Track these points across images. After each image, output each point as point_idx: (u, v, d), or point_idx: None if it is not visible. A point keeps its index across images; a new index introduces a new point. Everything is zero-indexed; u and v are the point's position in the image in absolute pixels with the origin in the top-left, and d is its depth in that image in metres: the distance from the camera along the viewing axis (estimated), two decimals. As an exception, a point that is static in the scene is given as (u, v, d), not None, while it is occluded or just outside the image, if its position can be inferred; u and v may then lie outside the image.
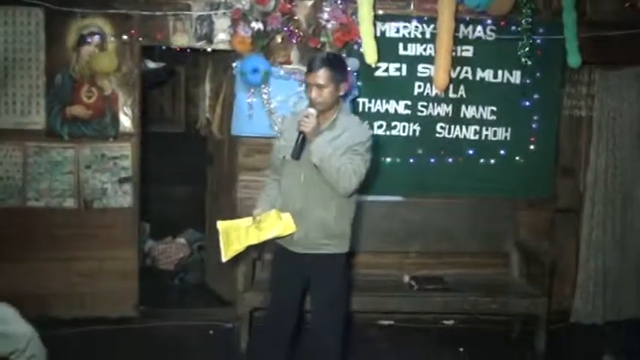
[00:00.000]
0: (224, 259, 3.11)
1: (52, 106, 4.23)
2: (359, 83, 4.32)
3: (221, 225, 3.16)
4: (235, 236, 3.10)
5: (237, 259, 4.41)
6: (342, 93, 2.96)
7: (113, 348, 4.02)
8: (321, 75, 2.87)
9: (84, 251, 4.31)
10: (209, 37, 4.26)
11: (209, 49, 4.37)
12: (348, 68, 4.09)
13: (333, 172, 2.83)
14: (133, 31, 4.21)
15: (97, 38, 4.20)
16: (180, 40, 4.26)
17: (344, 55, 4.23)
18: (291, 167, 3.01)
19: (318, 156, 2.83)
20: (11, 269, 4.24)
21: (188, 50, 4.42)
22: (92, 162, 4.32)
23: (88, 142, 4.30)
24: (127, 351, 4.00)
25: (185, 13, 4.22)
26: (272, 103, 4.16)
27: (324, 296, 3.09)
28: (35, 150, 4.30)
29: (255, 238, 3.06)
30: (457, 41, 4.36)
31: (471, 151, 4.57)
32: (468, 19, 4.42)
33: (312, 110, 2.92)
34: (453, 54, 4.32)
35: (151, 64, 4.62)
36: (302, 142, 2.91)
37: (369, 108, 4.43)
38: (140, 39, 4.25)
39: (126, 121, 4.31)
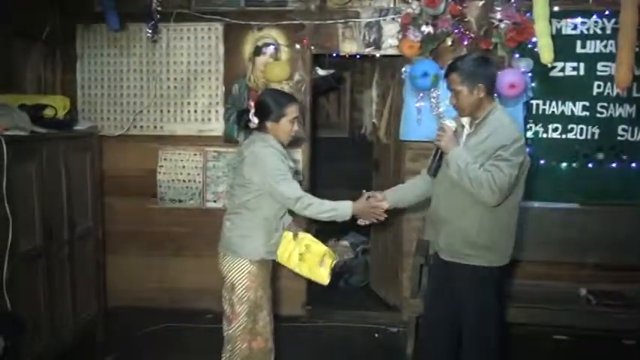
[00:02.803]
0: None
1: (230, 113, 4.48)
2: (533, 84, 4.15)
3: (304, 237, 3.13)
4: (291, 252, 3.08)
5: (402, 266, 4.43)
6: (481, 95, 2.81)
7: (283, 345, 4.16)
8: (452, 80, 2.84)
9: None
10: (377, 43, 4.33)
11: (377, 55, 4.42)
12: (523, 68, 3.97)
13: (472, 185, 2.73)
14: (305, 41, 4.38)
15: (271, 49, 4.42)
16: (350, 47, 4.38)
17: (516, 55, 4.09)
18: (439, 174, 2.96)
19: (454, 169, 2.77)
20: (193, 264, 4.61)
21: (357, 57, 4.49)
22: (266, 166, 4.54)
23: (263, 148, 4.52)
24: (295, 348, 4.13)
25: (355, 20, 4.32)
26: (441, 107, 4.11)
27: (470, 311, 2.96)
28: (214, 155, 4.61)
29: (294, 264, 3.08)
30: (641, 36, 4.03)
31: (657, 156, 4.19)
32: (655, 10, 4.06)
33: (448, 123, 2.88)
34: (637, 49, 3.98)
35: (321, 72, 4.77)
36: (439, 157, 2.89)
37: (544, 110, 4.23)
38: (312, 47, 4.42)
39: (298, 127, 4.47)
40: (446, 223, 2.94)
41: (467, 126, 2.93)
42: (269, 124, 2.95)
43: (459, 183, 2.78)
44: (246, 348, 2.99)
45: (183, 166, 4.66)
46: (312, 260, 3.04)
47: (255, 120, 2.97)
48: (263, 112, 2.95)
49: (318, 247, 3.09)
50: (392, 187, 3.29)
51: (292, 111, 2.96)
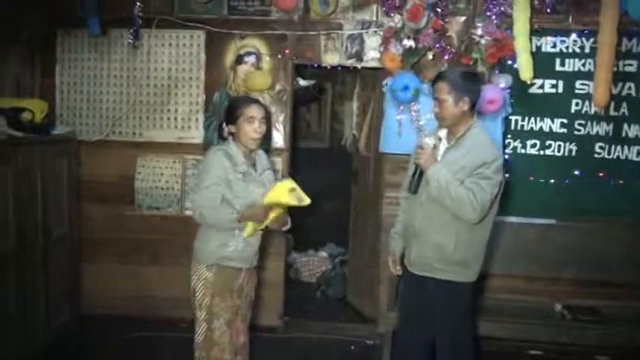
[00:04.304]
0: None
1: (210, 121, 4.46)
2: (512, 100, 4.18)
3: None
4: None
5: (379, 278, 4.43)
6: (465, 108, 2.81)
7: (258, 355, 4.13)
8: (439, 89, 2.83)
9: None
10: (359, 55, 4.34)
11: (359, 67, 4.43)
12: (502, 84, 4.01)
13: (452, 202, 2.72)
14: (287, 51, 4.37)
15: (253, 58, 4.40)
16: (331, 58, 4.38)
17: (496, 71, 4.13)
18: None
19: (434, 186, 2.76)
20: (170, 273, 4.55)
21: (338, 68, 4.50)
22: (246, 175, 4.52)
23: (243, 157, 4.50)
24: (271, 359, 4.10)
25: (337, 32, 4.33)
26: (421, 121, 4.13)
27: (441, 327, 2.95)
28: (193, 163, 4.57)
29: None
30: (619, 55, 4.09)
31: (633, 173, 4.24)
32: (632, 31, 4.12)
33: (427, 141, 2.87)
34: (615, 69, 4.05)
35: (302, 82, 4.77)
36: (419, 174, 2.88)
37: (522, 126, 4.26)
38: (293, 58, 4.41)
39: (278, 137, 4.48)
40: (420, 237, 2.91)
41: (444, 140, 2.92)
42: (232, 128, 2.99)
43: (439, 200, 2.77)
44: (204, 357, 2.98)
45: (162, 174, 4.62)
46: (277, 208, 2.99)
47: (225, 128, 3.04)
48: (226, 117, 3.04)
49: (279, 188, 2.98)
50: (394, 238, 3.19)
51: (248, 111, 2.93)
